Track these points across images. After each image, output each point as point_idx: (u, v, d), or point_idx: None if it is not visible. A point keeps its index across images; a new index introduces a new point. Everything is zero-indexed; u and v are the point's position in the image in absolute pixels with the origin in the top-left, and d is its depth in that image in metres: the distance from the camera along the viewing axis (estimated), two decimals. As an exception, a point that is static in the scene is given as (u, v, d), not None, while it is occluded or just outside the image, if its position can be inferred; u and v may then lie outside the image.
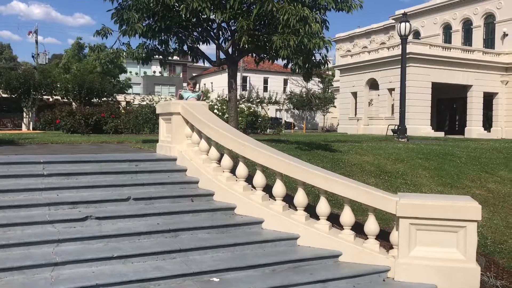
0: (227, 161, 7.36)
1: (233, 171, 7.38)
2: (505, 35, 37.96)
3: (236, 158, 7.32)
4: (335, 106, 56.94)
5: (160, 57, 12.90)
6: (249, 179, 7.22)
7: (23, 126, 40.17)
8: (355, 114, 39.82)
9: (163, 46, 12.38)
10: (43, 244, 5.35)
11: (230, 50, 12.33)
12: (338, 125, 43.97)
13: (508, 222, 8.25)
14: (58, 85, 38.23)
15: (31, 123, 39.17)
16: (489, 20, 39.72)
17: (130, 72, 66.06)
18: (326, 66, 12.59)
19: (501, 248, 7.18)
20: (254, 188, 7.12)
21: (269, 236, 6.37)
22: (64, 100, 37.23)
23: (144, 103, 29.35)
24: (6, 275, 4.81)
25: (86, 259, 5.18)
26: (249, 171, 7.28)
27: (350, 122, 39.74)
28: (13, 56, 77.48)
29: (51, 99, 40.14)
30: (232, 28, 12.06)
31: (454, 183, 9.87)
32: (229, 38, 12.54)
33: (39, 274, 4.91)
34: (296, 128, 58.86)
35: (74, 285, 4.71)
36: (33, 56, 50.39)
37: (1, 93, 40.50)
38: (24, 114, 40.32)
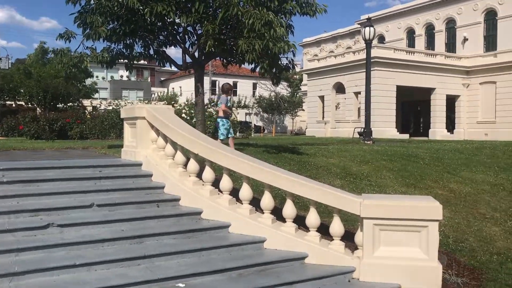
0: (193, 165, 7.32)
1: (199, 175, 7.34)
2: (465, 39, 39.20)
3: (202, 162, 7.29)
4: (303, 110, 57.49)
5: (126, 61, 12.72)
6: (216, 183, 7.20)
7: (-16, 133, 38.86)
8: (323, 117, 40.30)
9: (128, 50, 12.22)
10: (2, 254, 5.18)
11: (196, 54, 12.27)
12: (306, 128, 44.41)
13: (468, 221, 8.50)
14: (22, 90, 37.21)
15: (-8, 129, 37.93)
16: (450, 25, 40.95)
17: (97, 76, 64.86)
18: (293, 70, 12.69)
19: (462, 246, 7.39)
20: (221, 192, 7.10)
21: (236, 240, 6.36)
22: (28, 105, 36.26)
23: (111, 108, 28.87)
24: (-38, 286, 4.65)
25: (47, 267, 5.05)
26: (216, 175, 7.26)
27: (318, 125, 40.19)
28: (-26, 61, 74.88)
29: (14, 105, 39.02)
30: (198, 32, 12.02)
31: (417, 184, 10.11)
32: (196, 42, 12.50)
33: (-3, 284, 4.76)
34: (265, 131, 59.10)
35: (34, 295, 4.58)
36: (-6, 61, 48.93)
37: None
38: (-14, 120, 39.00)
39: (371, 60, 24.73)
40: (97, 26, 10.51)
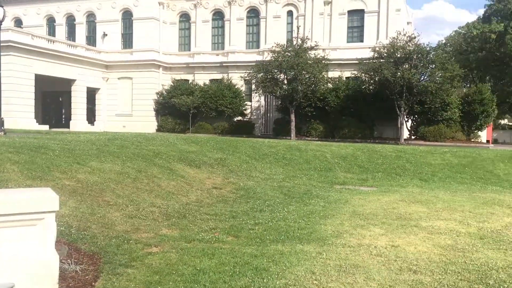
0: None
1: None
2: (105, 35, 40.81)
3: None
4: None
5: None
6: None
7: None
8: None
9: None
10: None
11: None
12: None
13: (93, 209, 8.89)
14: None
15: None
16: (91, 19, 41.82)
17: None
18: None
19: (84, 234, 7.66)
20: None
21: None
22: None
23: None
24: None
25: None
26: None
27: None
28: None
29: None
30: None
31: (44, 176, 9.87)
32: None
33: None
34: None
35: None
36: None
37: None
38: None
39: (5, 44, 22.81)
40: None
